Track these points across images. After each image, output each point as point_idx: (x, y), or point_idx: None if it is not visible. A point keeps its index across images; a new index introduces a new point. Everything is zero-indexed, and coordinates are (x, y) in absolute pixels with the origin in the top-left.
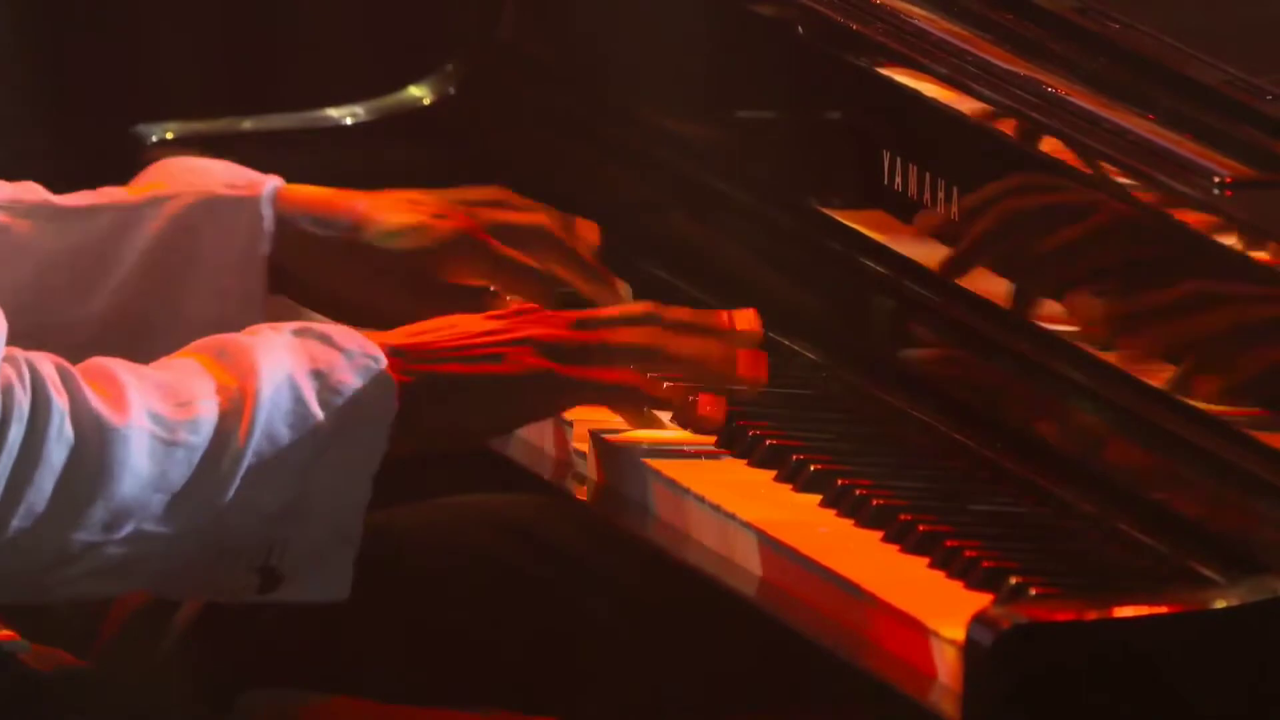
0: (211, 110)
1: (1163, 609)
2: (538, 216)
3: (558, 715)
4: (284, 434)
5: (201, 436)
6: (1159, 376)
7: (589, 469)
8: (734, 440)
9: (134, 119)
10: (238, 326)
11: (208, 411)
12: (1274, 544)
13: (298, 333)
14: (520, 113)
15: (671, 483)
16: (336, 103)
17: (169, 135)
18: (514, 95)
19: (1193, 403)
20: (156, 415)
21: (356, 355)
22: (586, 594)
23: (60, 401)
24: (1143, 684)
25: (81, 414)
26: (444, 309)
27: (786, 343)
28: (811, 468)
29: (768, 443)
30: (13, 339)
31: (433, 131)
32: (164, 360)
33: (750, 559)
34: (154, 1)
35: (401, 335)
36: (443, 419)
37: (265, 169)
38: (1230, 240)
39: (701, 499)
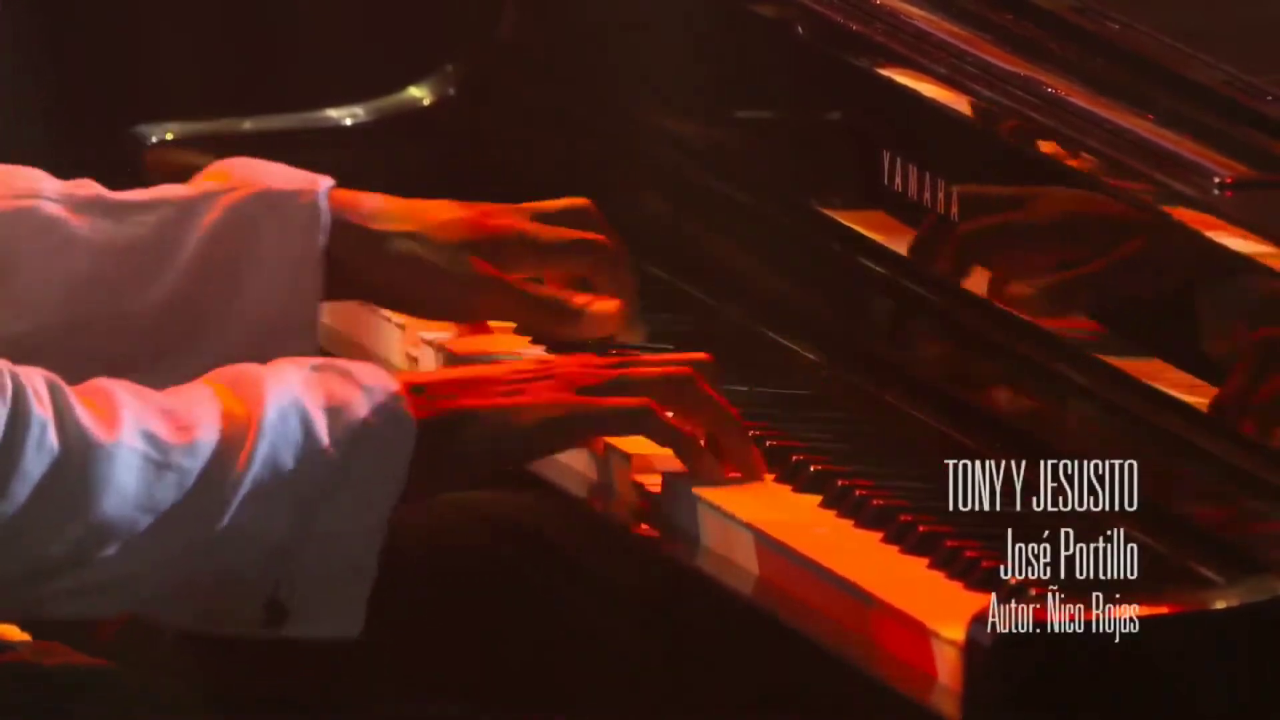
0: (211, 110)
1: (1163, 609)
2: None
3: (558, 715)
4: (289, 466)
5: (197, 461)
6: (1159, 376)
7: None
8: None
9: (134, 119)
10: (294, 322)
11: (207, 437)
12: (1274, 544)
13: (317, 368)
14: (520, 113)
15: (669, 480)
16: (336, 103)
17: (169, 135)
18: (514, 95)
19: (1192, 402)
20: (151, 436)
21: (376, 391)
22: (587, 594)
23: (42, 413)
24: (1143, 684)
25: (67, 427)
26: (503, 301)
27: (786, 343)
28: (811, 468)
29: (767, 444)
30: (67, 329)
31: (433, 131)
32: (177, 387)
33: (750, 559)
34: (154, 1)
35: (429, 374)
36: (462, 453)
37: None
38: (1230, 240)
39: (703, 500)
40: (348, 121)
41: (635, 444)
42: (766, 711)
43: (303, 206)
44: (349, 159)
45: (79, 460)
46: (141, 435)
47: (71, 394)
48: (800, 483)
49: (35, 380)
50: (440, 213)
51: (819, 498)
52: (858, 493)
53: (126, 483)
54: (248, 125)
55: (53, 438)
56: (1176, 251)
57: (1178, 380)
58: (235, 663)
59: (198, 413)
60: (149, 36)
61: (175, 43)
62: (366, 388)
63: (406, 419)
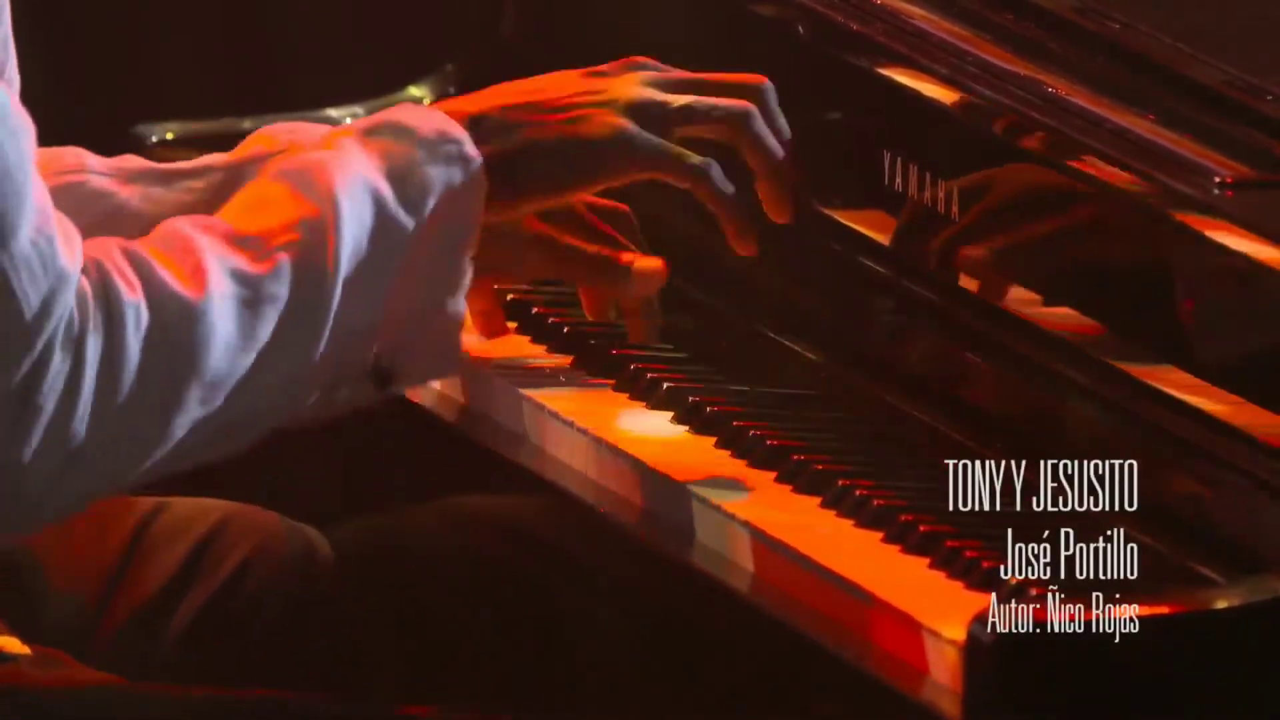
0: (211, 110)
1: (1163, 609)
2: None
3: (558, 715)
4: (372, 251)
5: (285, 285)
6: (1159, 377)
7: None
8: (734, 440)
9: (134, 119)
10: None
11: (287, 255)
12: (1274, 544)
13: (369, 131)
14: None
15: (670, 481)
16: (336, 103)
17: (169, 135)
18: None
19: (1193, 402)
20: (238, 273)
21: (437, 144)
22: (587, 594)
23: (131, 296)
24: (1143, 684)
25: (160, 298)
26: (552, 259)
27: (786, 343)
28: (811, 468)
29: (768, 443)
30: None
31: None
32: (241, 193)
33: (750, 559)
34: (154, 1)
35: (484, 100)
36: (529, 183)
37: None
38: (1230, 240)
39: (704, 500)
40: (348, 121)
41: (637, 444)
42: (766, 711)
43: None
44: None
45: (179, 328)
46: (230, 276)
47: (153, 259)
48: (800, 483)
49: (118, 260)
50: None
51: (819, 498)
52: (858, 493)
53: (228, 330)
54: (248, 125)
55: (146, 315)
56: (1176, 251)
57: (1178, 380)
58: (236, 666)
59: (273, 231)
60: (149, 36)
61: (175, 43)
62: (425, 141)
63: (474, 162)
